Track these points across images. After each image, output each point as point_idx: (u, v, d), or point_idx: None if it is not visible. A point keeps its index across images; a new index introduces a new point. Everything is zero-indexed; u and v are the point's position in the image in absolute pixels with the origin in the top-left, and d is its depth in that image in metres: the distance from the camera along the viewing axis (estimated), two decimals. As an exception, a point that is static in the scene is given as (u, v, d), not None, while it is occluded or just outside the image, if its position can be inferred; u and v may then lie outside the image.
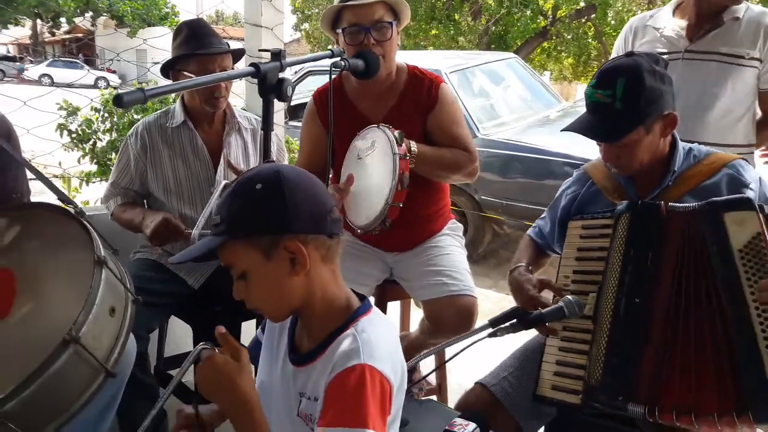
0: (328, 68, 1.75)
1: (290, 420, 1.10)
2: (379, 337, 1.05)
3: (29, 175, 1.80)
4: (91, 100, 2.41)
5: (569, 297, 1.49)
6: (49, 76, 24.02)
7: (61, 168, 2.51)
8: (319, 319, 1.08)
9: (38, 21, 31.79)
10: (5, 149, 1.72)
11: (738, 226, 1.38)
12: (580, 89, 19.51)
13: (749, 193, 1.50)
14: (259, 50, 1.63)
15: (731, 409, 1.31)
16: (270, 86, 1.34)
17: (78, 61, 27.99)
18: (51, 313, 1.38)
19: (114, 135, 3.18)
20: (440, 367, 2.17)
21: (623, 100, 1.47)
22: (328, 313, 1.08)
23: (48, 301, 1.42)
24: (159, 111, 2.22)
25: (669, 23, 2.14)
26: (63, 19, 31.06)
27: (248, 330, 2.77)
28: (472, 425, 1.44)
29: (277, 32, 2.67)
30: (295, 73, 5.56)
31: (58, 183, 2.95)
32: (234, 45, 2.23)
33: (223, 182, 1.99)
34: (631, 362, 1.41)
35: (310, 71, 5.25)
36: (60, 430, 1.35)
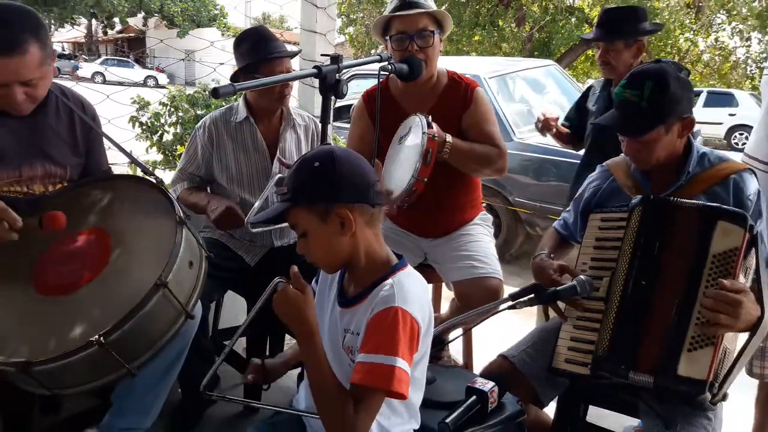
0: (374, 72, 1.98)
1: (335, 353, 1.33)
2: (412, 288, 1.28)
3: None
4: (136, 98, 2.64)
5: (582, 277, 1.69)
6: (102, 74, 24.95)
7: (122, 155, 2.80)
8: (364, 270, 1.31)
9: (93, 21, 32.97)
10: (97, 130, 2.01)
11: (724, 235, 1.55)
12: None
13: (747, 204, 1.68)
14: (321, 55, 1.87)
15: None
16: (329, 86, 1.58)
17: (129, 60, 28.99)
18: (141, 265, 1.65)
19: (179, 129, 3.49)
20: (465, 333, 2.38)
21: (649, 101, 1.66)
22: (372, 266, 1.31)
23: (138, 255, 1.69)
24: (224, 107, 2.49)
25: None
26: (116, 19, 32.11)
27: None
28: (491, 383, 1.65)
29: (330, 37, 2.93)
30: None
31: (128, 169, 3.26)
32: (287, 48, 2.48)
33: (278, 175, 2.22)
34: (634, 336, 1.60)
35: (354, 74, 5.50)
36: (145, 365, 1.62)
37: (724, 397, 1.57)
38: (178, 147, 3.47)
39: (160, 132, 3.53)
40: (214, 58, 3.48)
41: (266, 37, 2.35)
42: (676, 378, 1.50)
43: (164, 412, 2.04)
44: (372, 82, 2.44)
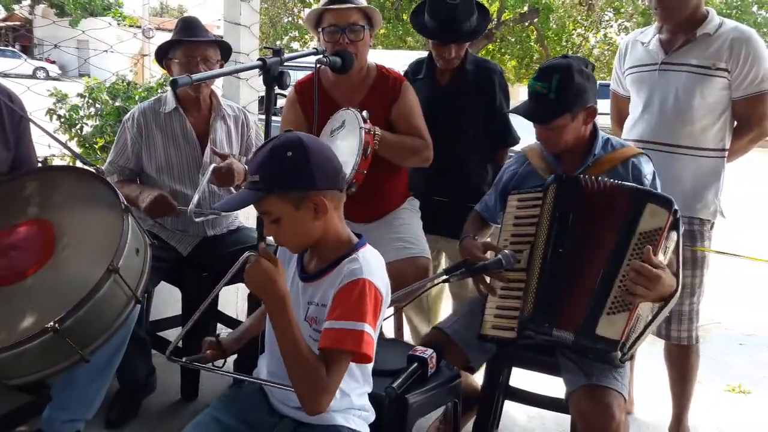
0: (303, 64, 2.08)
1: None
2: (375, 263, 1.40)
3: None
4: (28, 88, 2.57)
5: (506, 251, 1.87)
6: (-18, 65, 23.13)
7: (50, 149, 2.73)
8: (329, 248, 1.41)
9: (-28, 7, 30.49)
10: (27, 122, 1.98)
11: (651, 216, 1.73)
12: (522, 91, 20.25)
13: (644, 182, 1.90)
14: (264, 47, 1.93)
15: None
16: (273, 77, 1.66)
17: (15, 50, 27.02)
18: (87, 253, 1.67)
19: (98, 121, 3.41)
20: (399, 311, 2.53)
21: (556, 92, 1.86)
22: (336, 244, 1.41)
23: (84, 244, 1.70)
24: (153, 98, 2.50)
25: (653, 38, 2.36)
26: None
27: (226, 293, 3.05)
28: (431, 350, 1.80)
29: (254, 30, 2.98)
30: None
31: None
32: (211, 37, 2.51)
33: (212, 166, 2.24)
34: (555, 297, 1.80)
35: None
36: (97, 350, 1.64)
37: (632, 357, 1.78)
38: (98, 139, 3.39)
39: (79, 125, 3.43)
40: (112, 49, 3.37)
41: (191, 24, 2.42)
42: (594, 336, 1.70)
43: (102, 403, 2.05)
44: (300, 74, 2.52)
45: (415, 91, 2.48)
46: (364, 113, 2.06)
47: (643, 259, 1.67)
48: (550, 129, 1.92)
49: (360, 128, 2.00)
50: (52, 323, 1.47)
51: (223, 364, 1.56)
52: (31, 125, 2.01)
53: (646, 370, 2.75)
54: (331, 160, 1.40)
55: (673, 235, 1.76)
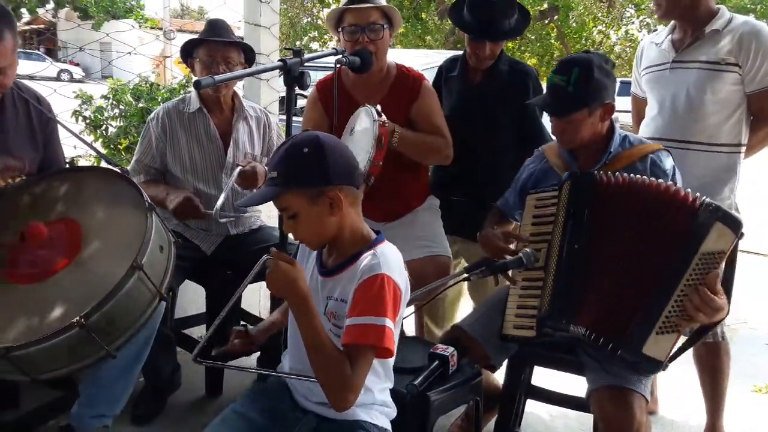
0: (323, 65, 2.09)
1: None
2: (393, 258, 1.41)
3: None
4: (54, 90, 2.62)
5: (527, 249, 1.87)
6: (10, 68, 23.44)
7: (76, 150, 2.78)
8: (347, 244, 1.43)
9: (-3, 11, 30.99)
10: (55, 124, 2.03)
11: (717, 236, 1.63)
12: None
13: (663, 179, 1.85)
14: (285, 49, 1.96)
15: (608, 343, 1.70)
16: (293, 78, 1.68)
17: (39, 53, 27.48)
18: (113, 250, 1.71)
19: (122, 122, 3.47)
20: (422, 307, 2.52)
21: (575, 86, 1.85)
22: (354, 239, 1.43)
23: (109, 241, 1.74)
24: (177, 98, 2.54)
25: (666, 39, 2.37)
26: (24, 10, 30.38)
27: (249, 292, 3.08)
28: (451, 348, 1.81)
29: (273, 31, 3.00)
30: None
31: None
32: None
33: (238, 168, 2.28)
34: (571, 293, 1.79)
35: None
36: (123, 346, 1.68)
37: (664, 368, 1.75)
38: (122, 140, 3.45)
39: (104, 126, 3.49)
40: (134, 52, 3.43)
41: (216, 25, 2.45)
42: (640, 355, 1.66)
43: (129, 400, 2.09)
44: (320, 74, 2.54)
45: (447, 88, 2.47)
46: (378, 107, 2.07)
47: (707, 285, 1.61)
48: (566, 122, 1.91)
49: (374, 121, 2.02)
50: (77, 318, 1.51)
51: (250, 353, 1.58)
52: (59, 126, 2.06)
53: (672, 368, 2.72)
54: (347, 157, 1.42)
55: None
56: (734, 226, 1.65)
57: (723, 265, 1.66)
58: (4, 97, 1.92)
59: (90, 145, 1.99)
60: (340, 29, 2.26)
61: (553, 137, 2.02)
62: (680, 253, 1.67)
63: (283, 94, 1.77)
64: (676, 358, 1.73)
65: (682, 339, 1.76)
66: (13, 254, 1.72)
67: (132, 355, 1.97)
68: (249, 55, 2.51)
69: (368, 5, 2.21)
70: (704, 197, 1.69)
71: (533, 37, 17.57)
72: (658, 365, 1.66)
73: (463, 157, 2.40)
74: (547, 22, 17.22)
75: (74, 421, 1.99)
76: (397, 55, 2.72)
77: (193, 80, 2.55)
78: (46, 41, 28.92)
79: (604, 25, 18.34)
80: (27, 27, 33.06)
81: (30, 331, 1.56)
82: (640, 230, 1.76)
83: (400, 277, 1.39)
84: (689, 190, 1.72)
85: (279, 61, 1.67)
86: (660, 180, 1.77)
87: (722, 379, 2.37)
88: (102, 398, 1.99)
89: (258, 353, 2.68)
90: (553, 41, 18.12)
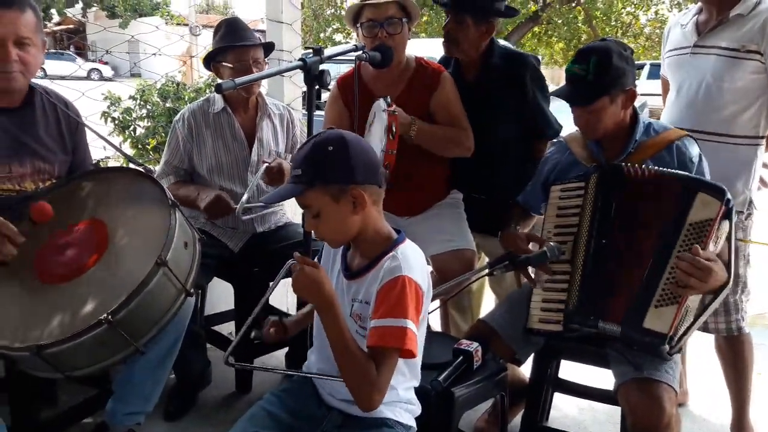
0: (343, 58, 2.09)
1: None
2: (414, 258, 1.42)
3: None
4: (83, 93, 2.67)
5: (551, 243, 1.85)
6: (42, 69, 23.97)
7: (105, 150, 2.85)
8: (370, 244, 1.44)
9: (29, 13, 31.55)
10: (87, 126, 2.08)
11: (702, 206, 1.68)
12: (570, 73, 19.78)
13: (689, 166, 1.85)
14: (305, 47, 1.97)
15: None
16: (314, 76, 1.69)
17: (70, 53, 27.98)
18: (138, 249, 1.75)
19: (149, 122, 3.53)
20: (446, 303, 2.53)
21: (594, 74, 1.83)
22: (376, 240, 1.44)
23: (135, 240, 1.78)
24: (201, 99, 2.57)
25: (691, 20, 2.29)
26: (54, 11, 30.91)
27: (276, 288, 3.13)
28: (476, 344, 1.81)
29: (295, 27, 3.02)
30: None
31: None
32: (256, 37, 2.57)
33: (264, 165, 2.31)
34: (599, 289, 1.78)
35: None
36: (151, 342, 1.71)
37: (680, 349, 1.75)
38: (150, 140, 3.51)
39: (132, 126, 3.56)
40: (161, 48, 3.47)
41: (236, 26, 2.47)
42: (642, 329, 1.67)
43: (161, 396, 2.13)
44: (341, 66, 2.54)
45: None
46: (388, 98, 2.06)
47: (694, 252, 1.63)
48: (588, 112, 1.88)
49: (383, 111, 2.01)
50: (105, 315, 1.55)
51: (284, 343, 1.58)
52: (87, 130, 2.11)
53: (701, 360, 2.69)
54: (371, 155, 1.43)
55: (725, 224, 1.70)
56: (717, 193, 1.67)
57: (717, 235, 1.68)
58: (34, 101, 1.97)
59: (115, 147, 2.04)
60: (358, 25, 2.26)
61: (561, 124, 1.99)
62: (670, 225, 1.71)
63: (306, 89, 1.78)
64: (687, 333, 1.71)
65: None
66: (42, 255, 1.77)
67: (163, 353, 2.01)
68: (266, 50, 2.53)
69: (386, 0, 2.21)
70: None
71: (560, 21, 17.30)
72: (663, 338, 1.65)
73: (475, 154, 2.37)
74: (574, 5, 16.92)
75: (108, 418, 2.05)
76: (420, 44, 2.70)
77: (217, 79, 2.58)
78: (76, 41, 29.40)
79: (633, 6, 17.95)
80: (57, 28, 33.70)
81: (61, 329, 1.60)
82: (659, 220, 1.75)
83: (422, 276, 1.40)
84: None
85: (299, 60, 1.68)
86: (677, 171, 1.76)
87: (745, 372, 2.32)
88: (134, 395, 2.04)
89: (287, 349, 2.73)
90: (580, 25, 17.80)
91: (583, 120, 1.92)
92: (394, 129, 1.98)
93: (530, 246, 1.96)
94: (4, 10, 1.77)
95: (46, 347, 1.56)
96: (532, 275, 1.97)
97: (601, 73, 1.82)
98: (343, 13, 17.89)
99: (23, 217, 1.79)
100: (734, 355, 2.31)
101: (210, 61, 2.49)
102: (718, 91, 2.18)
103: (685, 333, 1.69)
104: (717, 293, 1.68)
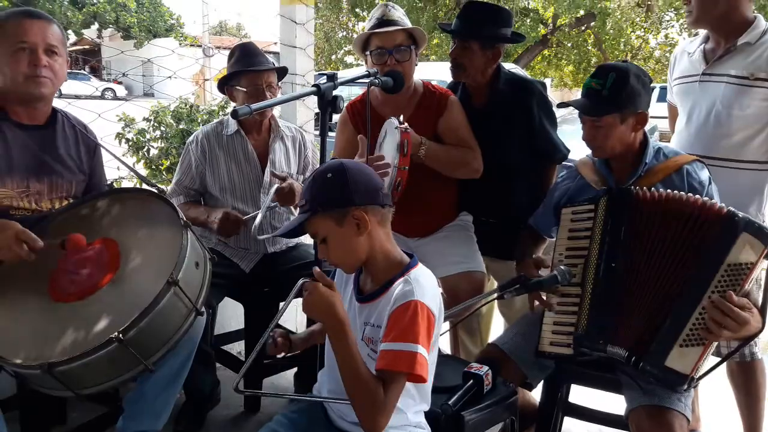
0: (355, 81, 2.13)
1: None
2: (426, 283, 1.43)
3: None
4: (99, 115, 2.73)
5: (561, 267, 1.86)
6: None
7: (118, 171, 2.89)
8: (381, 268, 1.45)
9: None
10: (100, 149, 2.13)
11: (744, 247, 1.60)
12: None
13: (698, 189, 1.85)
14: (320, 73, 2.01)
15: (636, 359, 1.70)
16: (327, 102, 1.72)
17: (85, 73, 28.46)
18: (150, 268, 1.76)
19: (163, 143, 3.59)
20: (456, 326, 2.53)
21: (610, 90, 1.86)
22: (387, 264, 1.45)
23: (146, 259, 1.79)
24: (215, 121, 2.61)
25: (698, 48, 2.31)
26: (70, 32, 31.50)
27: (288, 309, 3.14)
28: (486, 367, 1.80)
29: (309, 52, 3.07)
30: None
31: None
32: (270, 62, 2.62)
33: (275, 186, 2.33)
34: (609, 313, 1.78)
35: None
36: (160, 361, 1.73)
37: (696, 385, 1.73)
38: (164, 161, 3.56)
39: (145, 147, 3.62)
40: (174, 69, 3.55)
41: (250, 51, 2.51)
42: (663, 368, 1.65)
43: (169, 416, 2.13)
44: (351, 89, 2.57)
45: None
46: (400, 117, 2.09)
47: (731, 299, 1.58)
48: (597, 127, 1.90)
49: (396, 129, 2.04)
50: (116, 334, 1.56)
51: (284, 357, 1.59)
52: (102, 151, 2.15)
53: (714, 384, 2.66)
54: (371, 177, 1.45)
55: (763, 263, 1.66)
56: (763, 237, 1.61)
57: (754, 278, 1.62)
58: (56, 121, 2.04)
59: (131, 168, 2.08)
60: (367, 53, 2.30)
61: (568, 148, 1.99)
62: (705, 264, 1.66)
63: (318, 110, 1.81)
64: (708, 374, 1.69)
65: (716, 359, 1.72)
66: (55, 273, 1.79)
67: (174, 371, 2.02)
68: (280, 74, 2.58)
69: (394, 28, 2.25)
70: (732, 208, 1.66)
71: (569, 45, 17.41)
72: (683, 379, 1.64)
73: (479, 179, 2.38)
74: (583, 29, 17.04)
75: (119, 435, 2.06)
76: (430, 68, 2.74)
77: (230, 102, 2.61)
78: (91, 61, 29.89)
79: (642, 30, 18.06)
80: (73, 48, 34.26)
81: (72, 347, 1.61)
82: (677, 247, 1.74)
83: (433, 302, 1.41)
84: (723, 204, 1.69)
85: (313, 86, 1.71)
86: (697, 196, 1.75)
87: (758, 397, 2.30)
88: (145, 413, 2.05)
89: (295, 369, 2.73)
90: (590, 48, 17.91)
91: (591, 135, 1.94)
92: (406, 146, 2.01)
93: (539, 273, 1.97)
94: (33, 19, 1.89)
95: (56, 365, 1.57)
96: (544, 298, 1.97)
97: (616, 90, 1.85)
98: (354, 36, 18.12)
99: (51, 237, 1.82)
100: (747, 380, 2.28)
101: (224, 84, 2.53)
102: (728, 118, 2.19)
103: (706, 374, 1.68)
104: (747, 341, 1.66)
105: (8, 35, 1.87)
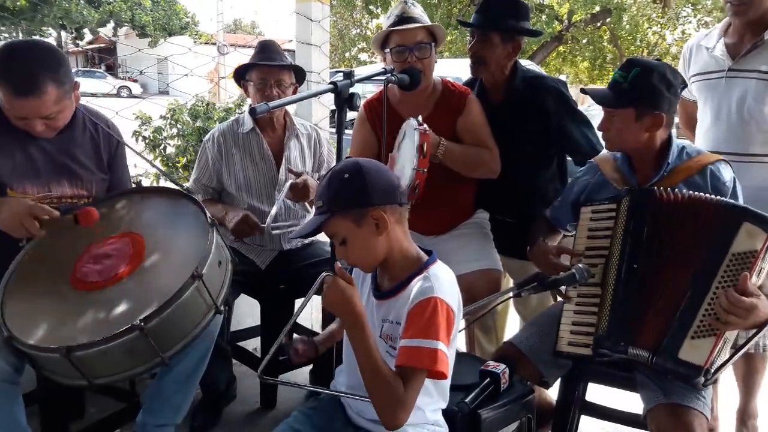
0: (372, 79, 2.13)
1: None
2: (445, 280, 1.43)
3: None
4: (116, 113, 2.75)
5: (580, 265, 1.84)
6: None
7: (135, 168, 2.92)
8: (399, 266, 1.45)
9: (62, 32, 32.52)
10: (123, 147, 2.14)
11: (747, 236, 1.62)
12: (595, 92, 19.70)
13: (723, 190, 1.83)
14: (335, 71, 2.01)
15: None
16: (344, 99, 1.72)
17: (100, 71, 28.70)
18: (174, 263, 1.78)
19: (180, 141, 3.61)
20: (472, 324, 2.51)
21: (630, 83, 1.84)
22: (405, 261, 1.45)
23: (171, 255, 1.82)
24: (231, 119, 2.63)
25: (718, 43, 2.29)
26: (86, 30, 31.74)
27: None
28: (503, 365, 1.80)
29: (324, 49, 3.07)
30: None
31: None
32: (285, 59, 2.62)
33: (289, 182, 2.33)
34: (630, 314, 1.76)
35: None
36: (177, 355, 1.73)
37: (715, 380, 1.71)
38: (180, 158, 3.58)
39: (162, 145, 3.64)
40: (189, 67, 3.56)
41: (267, 47, 2.53)
42: (677, 360, 1.64)
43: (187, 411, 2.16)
44: (366, 86, 2.57)
45: None
46: (419, 118, 2.08)
47: (737, 287, 1.58)
48: (611, 119, 1.89)
49: (415, 130, 2.03)
50: (138, 321, 1.57)
51: (311, 361, 1.62)
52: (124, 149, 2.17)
53: (733, 384, 2.64)
54: (388, 176, 1.45)
55: None
56: (763, 223, 1.62)
57: (760, 267, 1.62)
58: (75, 123, 2.04)
59: (157, 167, 2.12)
60: (386, 50, 2.30)
61: (598, 147, 1.97)
62: (711, 255, 1.66)
63: (334, 107, 1.81)
64: (725, 366, 1.68)
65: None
66: (78, 264, 1.81)
67: (192, 366, 2.04)
68: (299, 74, 2.57)
69: (414, 26, 2.24)
70: (731, 200, 1.68)
71: (585, 41, 17.27)
72: (698, 370, 1.62)
73: (498, 177, 2.38)
74: (599, 25, 16.89)
75: (139, 429, 2.07)
76: (445, 64, 2.73)
77: (246, 99, 2.62)
78: (106, 59, 30.13)
79: (659, 25, 17.87)
80: (89, 46, 34.55)
81: (93, 332, 1.62)
82: (691, 246, 1.73)
83: (453, 298, 1.41)
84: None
85: (330, 83, 1.71)
86: (720, 197, 1.74)
87: (755, 374, 2.35)
88: (164, 408, 2.07)
89: (311, 366, 2.74)
90: (605, 44, 17.75)
91: (605, 125, 1.93)
92: (425, 148, 2.01)
93: (561, 259, 1.95)
94: (22, 99, 1.79)
95: (75, 349, 1.57)
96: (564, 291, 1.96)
97: (636, 84, 1.83)
98: (369, 33, 18.11)
99: (66, 214, 1.84)
100: (747, 364, 2.34)
101: (239, 78, 2.55)
102: (761, 114, 2.18)
103: (722, 365, 1.66)
104: (759, 329, 1.64)
105: None
